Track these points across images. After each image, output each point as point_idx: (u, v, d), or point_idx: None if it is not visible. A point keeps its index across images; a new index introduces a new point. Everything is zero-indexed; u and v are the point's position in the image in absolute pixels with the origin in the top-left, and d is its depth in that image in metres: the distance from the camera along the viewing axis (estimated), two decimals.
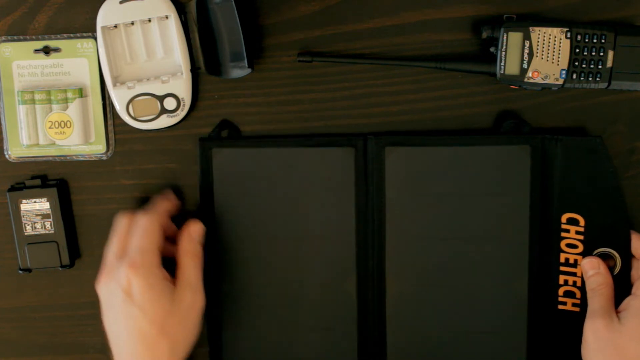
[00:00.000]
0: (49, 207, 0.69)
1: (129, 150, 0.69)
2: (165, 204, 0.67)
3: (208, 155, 0.68)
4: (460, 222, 0.67)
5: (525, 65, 0.64)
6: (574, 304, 0.67)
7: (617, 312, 0.63)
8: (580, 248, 0.67)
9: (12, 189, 0.69)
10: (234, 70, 0.67)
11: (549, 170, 0.66)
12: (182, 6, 0.66)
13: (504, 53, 0.64)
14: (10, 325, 0.72)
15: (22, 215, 0.69)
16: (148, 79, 0.67)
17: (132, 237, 0.63)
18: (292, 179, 0.67)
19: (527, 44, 0.64)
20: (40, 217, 0.69)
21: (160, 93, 0.67)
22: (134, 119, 0.67)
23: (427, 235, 0.67)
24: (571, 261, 0.67)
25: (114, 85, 0.67)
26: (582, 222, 0.67)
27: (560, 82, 0.65)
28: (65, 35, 0.68)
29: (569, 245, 0.67)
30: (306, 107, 0.69)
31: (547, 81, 0.65)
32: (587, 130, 0.68)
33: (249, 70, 0.66)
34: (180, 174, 0.70)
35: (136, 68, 0.68)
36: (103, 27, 0.66)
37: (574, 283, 0.67)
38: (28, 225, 0.69)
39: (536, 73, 0.64)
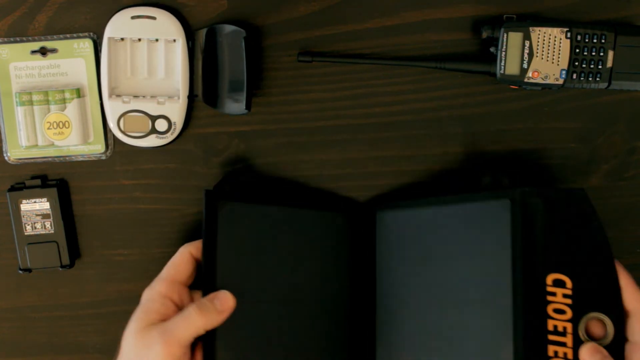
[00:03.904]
0: (49, 207, 0.69)
1: (128, 150, 0.69)
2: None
3: (214, 208, 0.64)
4: (445, 286, 0.63)
5: (525, 65, 0.64)
6: None
7: None
8: (569, 314, 0.58)
9: (12, 189, 0.69)
10: (231, 105, 0.67)
11: (530, 226, 0.59)
12: (192, 33, 0.67)
13: (504, 53, 0.64)
14: (10, 325, 0.72)
15: (22, 215, 0.69)
16: (144, 97, 0.67)
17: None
18: (290, 237, 0.66)
19: (527, 44, 0.64)
20: (40, 217, 0.69)
21: (153, 113, 0.67)
22: (123, 133, 0.67)
23: (414, 299, 0.65)
24: (560, 329, 0.58)
25: (110, 96, 0.67)
26: (569, 283, 0.58)
27: (560, 82, 0.64)
28: (61, 35, 0.67)
29: (556, 311, 0.58)
30: (306, 107, 0.69)
31: (547, 81, 0.64)
32: (567, 185, 0.68)
33: (245, 110, 0.66)
34: (180, 174, 0.70)
35: (135, 84, 0.68)
36: (110, 38, 0.66)
37: (565, 355, 0.58)
38: (28, 225, 0.69)
39: (536, 73, 0.64)
